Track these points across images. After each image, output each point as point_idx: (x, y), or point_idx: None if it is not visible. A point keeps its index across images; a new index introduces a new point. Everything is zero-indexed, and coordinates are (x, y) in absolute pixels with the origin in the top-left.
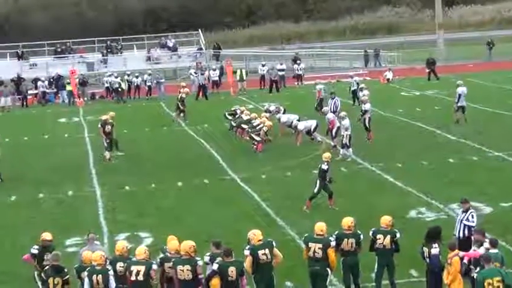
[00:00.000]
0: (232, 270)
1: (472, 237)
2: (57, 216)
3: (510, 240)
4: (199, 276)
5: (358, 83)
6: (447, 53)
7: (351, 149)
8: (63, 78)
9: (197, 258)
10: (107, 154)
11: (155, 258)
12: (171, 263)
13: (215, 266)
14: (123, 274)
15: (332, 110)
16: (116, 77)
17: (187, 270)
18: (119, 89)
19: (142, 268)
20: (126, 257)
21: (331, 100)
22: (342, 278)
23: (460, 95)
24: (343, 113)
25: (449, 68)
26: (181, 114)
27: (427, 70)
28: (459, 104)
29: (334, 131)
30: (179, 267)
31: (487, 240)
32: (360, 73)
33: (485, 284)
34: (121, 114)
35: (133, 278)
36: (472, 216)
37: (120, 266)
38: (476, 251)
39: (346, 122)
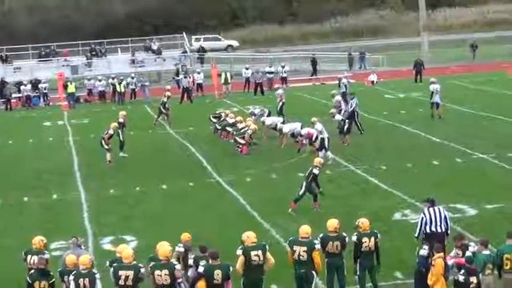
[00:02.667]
0: (217, 274)
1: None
2: (42, 219)
3: (495, 242)
4: (178, 280)
5: (346, 85)
6: (431, 55)
7: (329, 152)
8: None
9: (174, 262)
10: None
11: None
12: (149, 268)
13: (201, 269)
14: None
15: (348, 110)
16: (100, 81)
17: (165, 274)
18: (116, 91)
19: (130, 273)
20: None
21: (350, 100)
22: (325, 279)
23: (433, 92)
24: (314, 118)
25: (433, 70)
26: (166, 118)
27: (415, 72)
28: (432, 101)
29: (313, 138)
30: (157, 272)
31: (471, 243)
32: (346, 75)
33: (504, 258)
34: (105, 117)
35: (121, 282)
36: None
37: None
38: (460, 258)
39: (318, 126)
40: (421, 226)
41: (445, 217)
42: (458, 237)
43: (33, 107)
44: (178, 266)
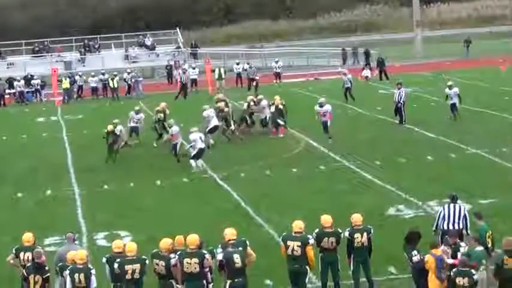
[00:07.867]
0: (237, 257)
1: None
2: (36, 215)
3: (489, 237)
4: (206, 269)
5: (351, 81)
6: (425, 50)
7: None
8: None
9: (204, 251)
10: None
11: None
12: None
13: (220, 256)
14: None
15: (396, 99)
16: (93, 76)
17: (195, 263)
18: (110, 87)
19: (137, 266)
20: (124, 255)
21: (397, 90)
22: (319, 274)
23: (449, 95)
24: (260, 96)
25: (427, 66)
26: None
27: (378, 70)
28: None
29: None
30: (186, 260)
31: (462, 244)
32: (339, 70)
33: None
34: (99, 112)
35: (128, 277)
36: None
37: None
38: (455, 260)
39: (264, 103)
40: (438, 220)
41: (464, 216)
42: (453, 234)
43: (27, 102)
44: (207, 255)
